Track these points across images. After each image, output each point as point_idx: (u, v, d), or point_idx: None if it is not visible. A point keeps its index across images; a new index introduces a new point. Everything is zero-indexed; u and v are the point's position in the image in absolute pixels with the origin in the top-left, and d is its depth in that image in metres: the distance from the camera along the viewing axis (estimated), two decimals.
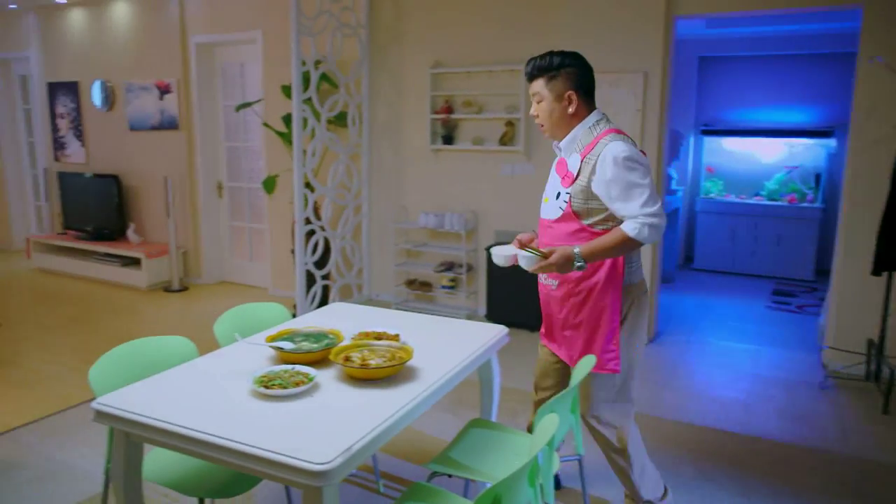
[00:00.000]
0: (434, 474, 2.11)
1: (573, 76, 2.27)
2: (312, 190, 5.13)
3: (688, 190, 7.53)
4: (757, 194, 7.17)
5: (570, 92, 2.27)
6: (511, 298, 4.95)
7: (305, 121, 4.91)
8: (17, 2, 6.96)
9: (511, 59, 4.98)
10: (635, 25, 4.47)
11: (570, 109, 2.28)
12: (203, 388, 1.93)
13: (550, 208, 2.37)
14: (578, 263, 2.17)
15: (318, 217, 5.28)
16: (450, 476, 2.13)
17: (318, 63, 5.03)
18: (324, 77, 5.19)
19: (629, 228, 2.15)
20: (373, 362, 2.03)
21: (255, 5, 5.88)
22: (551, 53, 2.27)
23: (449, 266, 5.41)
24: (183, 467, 2.09)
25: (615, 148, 2.18)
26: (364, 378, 1.99)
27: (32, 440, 3.29)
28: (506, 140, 5.09)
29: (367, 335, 2.32)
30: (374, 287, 5.93)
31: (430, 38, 5.31)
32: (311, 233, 5.18)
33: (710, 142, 7.47)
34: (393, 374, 2.02)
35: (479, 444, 2.28)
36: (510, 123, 5.08)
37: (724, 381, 4.15)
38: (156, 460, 2.13)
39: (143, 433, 1.74)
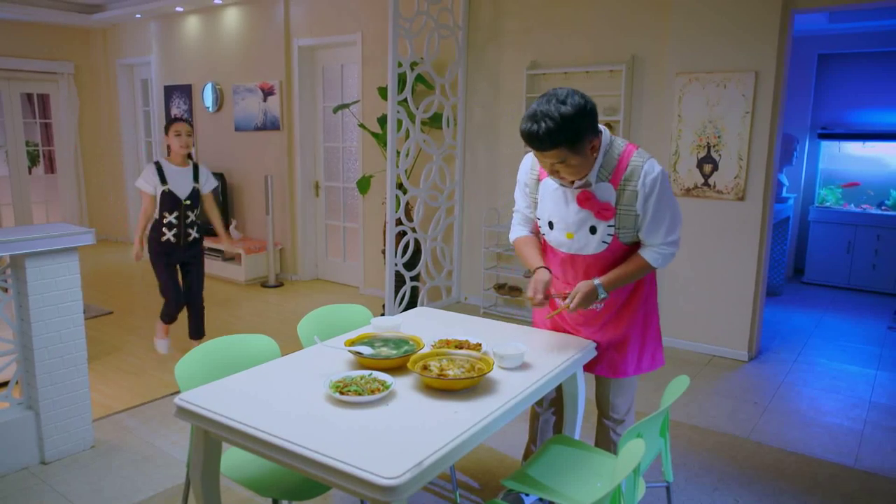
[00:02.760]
0: (509, 491, 2.03)
1: (590, 125, 2.02)
2: (405, 191, 5.16)
3: (800, 198, 7.03)
4: (882, 203, 6.59)
5: (593, 142, 2.06)
6: None
7: (400, 122, 4.94)
8: (142, 11, 7.42)
9: (610, 60, 4.80)
10: (747, 22, 4.19)
11: (595, 154, 2.10)
12: (279, 389, 1.94)
13: (584, 243, 2.22)
14: (602, 296, 2.17)
15: (409, 218, 5.30)
16: (526, 494, 2.04)
17: (414, 64, 5.05)
18: (419, 78, 5.20)
19: (650, 258, 2.17)
20: (451, 373, 1.97)
21: (356, 8, 5.98)
22: (560, 113, 1.95)
23: None
24: (259, 467, 2.11)
25: (651, 169, 2.09)
26: (441, 388, 1.93)
27: (133, 425, 3.47)
28: None
29: (447, 343, 2.27)
30: (463, 290, 5.89)
31: (528, 39, 5.21)
32: (402, 234, 5.21)
33: (828, 146, 6.94)
34: (471, 385, 1.95)
35: (559, 462, 2.17)
36: (608, 126, 4.88)
37: (835, 407, 3.81)
38: (234, 457, 2.17)
39: (219, 432, 1.76)
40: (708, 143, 4.42)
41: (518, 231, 2.50)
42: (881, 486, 2.95)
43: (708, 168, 4.45)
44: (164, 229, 4.19)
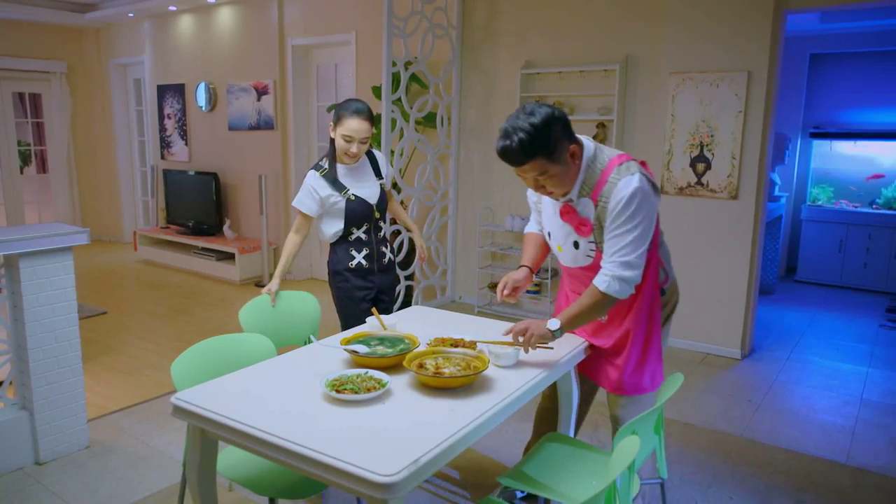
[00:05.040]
0: (505, 489, 2.04)
1: (562, 131, 1.99)
2: (399, 190, 5.16)
3: (792, 196, 7.08)
4: (873, 202, 6.64)
5: (571, 148, 2.02)
6: None
7: (394, 121, 4.94)
8: (136, 10, 7.40)
9: (604, 60, 4.82)
10: (740, 22, 4.21)
11: (578, 161, 2.07)
12: (276, 388, 1.94)
13: (572, 257, 2.23)
14: (557, 335, 2.10)
15: None
16: (522, 492, 2.06)
17: (408, 64, 5.05)
18: (414, 78, 5.21)
19: (600, 282, 2.05)
20: (446, 370, 1.98)
21: (350, 8, 5.98)
22: (531, 123, 1.95)
23: None
24: (255, 465, 2.11)
25: (625, 186, 2.00)
26: (437, 386, 1.94)
27: (128, 425, 3.46)
28: (597, 142, 4.93)
29: (443, 341, 2.27)
30: (457, 289, 5.90)
31: (522, 39, 5.23)
32: (396, 233, 5.21)
33: (820, 145, 6.98)
34: (467, 383, 1.96)
35: (554, 459, 2.19)
36: (602, 125, 4.92)
37: (828, 404, 3.84)
38: (230, 456, 2.17)
39: (216, 431, 1.76)
40: (701, 143, 4.44)
41: (529, 226, 2.55)
42: (873, 482, 2.98)
43: (701, 167, 4.47)
44: (352, 251, 2.94)
